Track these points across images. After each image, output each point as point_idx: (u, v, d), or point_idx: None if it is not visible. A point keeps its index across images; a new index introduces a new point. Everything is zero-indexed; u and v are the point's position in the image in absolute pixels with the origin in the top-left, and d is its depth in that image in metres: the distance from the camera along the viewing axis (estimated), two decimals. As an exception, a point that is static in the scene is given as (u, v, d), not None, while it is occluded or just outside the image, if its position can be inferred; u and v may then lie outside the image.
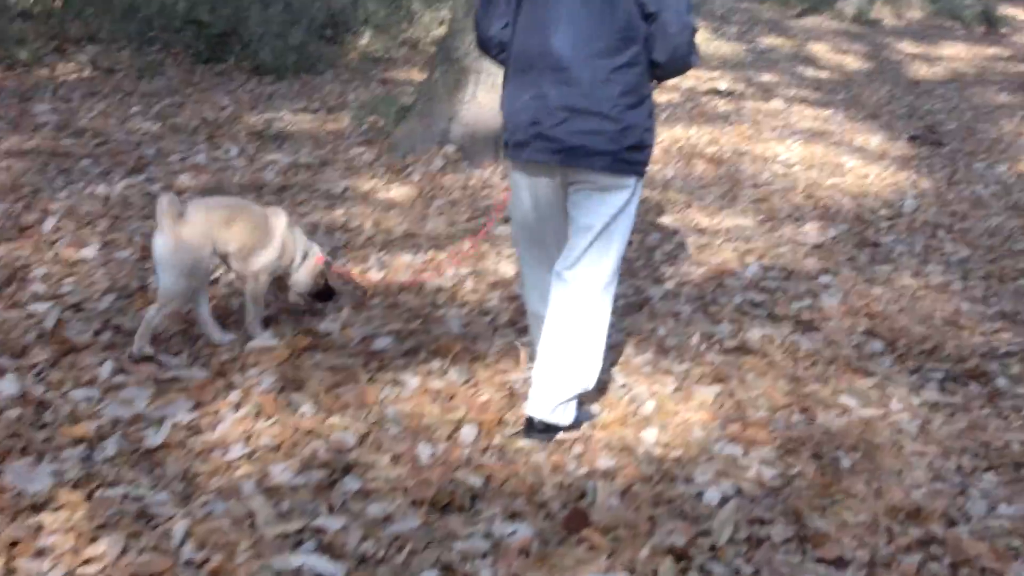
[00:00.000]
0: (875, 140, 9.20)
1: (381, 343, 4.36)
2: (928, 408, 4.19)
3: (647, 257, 5.78)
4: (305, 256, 4.43)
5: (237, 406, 3.75)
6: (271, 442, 3.55)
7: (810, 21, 17.51)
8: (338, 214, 5.97)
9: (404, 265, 5.29)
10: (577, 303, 3.59)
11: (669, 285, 5.34)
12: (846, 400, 4.19)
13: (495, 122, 7.22)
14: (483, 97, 7.23)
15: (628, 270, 5.39)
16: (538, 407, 3.67)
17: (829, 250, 6.10)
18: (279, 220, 4.35)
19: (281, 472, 3.38)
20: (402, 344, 4.38)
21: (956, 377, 4.49)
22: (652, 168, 7.19)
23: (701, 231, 6.26)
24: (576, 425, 3.77)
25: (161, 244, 4.00)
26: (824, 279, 5.57)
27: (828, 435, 3.90)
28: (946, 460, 3.80)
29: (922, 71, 13.66)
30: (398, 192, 6.52)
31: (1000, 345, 4.84)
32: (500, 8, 3.56)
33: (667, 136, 8.54)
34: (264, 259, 4.27)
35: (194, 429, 3.61)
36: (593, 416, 3.91)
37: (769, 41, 15.13)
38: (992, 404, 4.26)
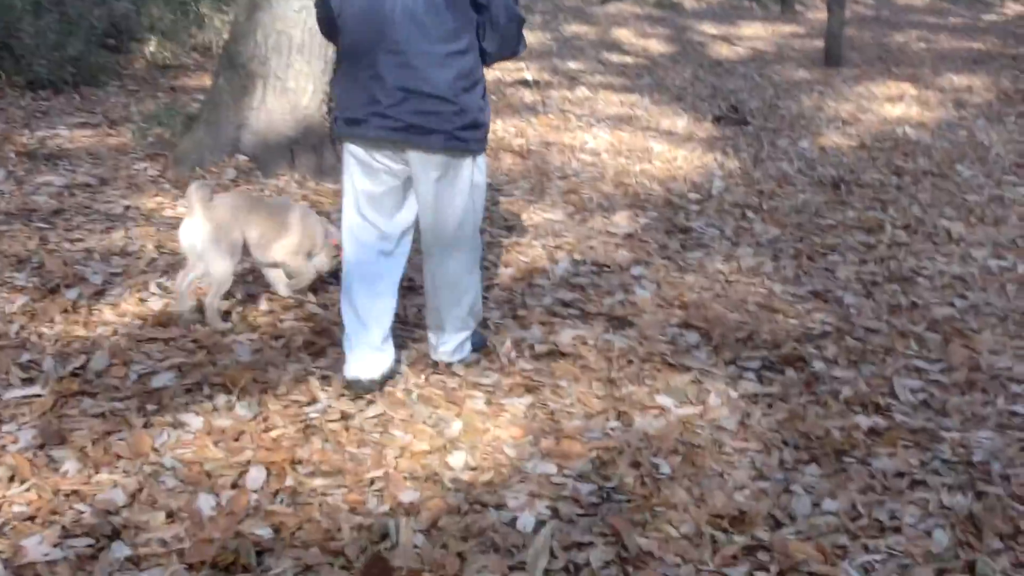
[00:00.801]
0: (681, 123, 9.16)
1: (160, 380, 3.91)
2: (747, 401, 4.02)
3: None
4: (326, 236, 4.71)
5: (-14, 471, 3.28)
6: (26, 510, 3.09)
7: (613, 7, 17.60)
8: (117, 237, 5.43)
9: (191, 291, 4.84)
10: (448, 272, 3.96)
11: (478, 289, 5.06)
12: (663, 400, 3.98)
13: (288, 128, 6.82)
14: (273, 102, 6.80)
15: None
16: (442, 354, 4.17)
17: (640, 239, 5.93)
18: (294, 209, 4.69)
19: (37, 545, 2.93)
20: (184, 379, 3.94)
21: (773, 365, 4.35)
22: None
23: (509, 228, 6.00)
24: (478, 349, 4.31)
25: (196, 230, 4.27)
26: (636, 271, 5.39)
27: (646, 440, 3.67)
28: (768, 456, 3.62)
29: (723, 51, 13.83)
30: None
31: (814, 327, 4.74)
32: None
33: (473, 131, 8.29)
34: (288, 246, 4.56)
35: (-66, 503, 3.12)
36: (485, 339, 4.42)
37: (574, 29, 15.09)
38: (810, 391, 4.12)
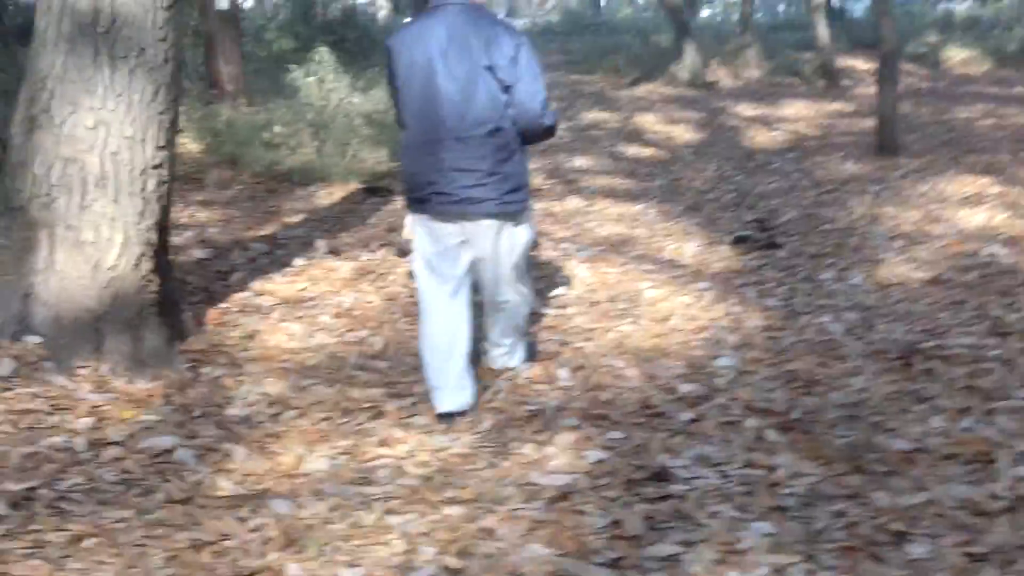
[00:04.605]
0: (690, 248, 6.45)
1: None
2: None
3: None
4: None
5: None
6: None
7: (642, 90, 15.03)
8: None
9: None
10: (511, 315, 4.24)
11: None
12: None
13: (88, 298, 4.32)
14: (65, 261, 4.30)
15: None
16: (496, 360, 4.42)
17: (573, 509, 3.21)
18: None
19: None
20: None
21: None
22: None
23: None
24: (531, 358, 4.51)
25: None
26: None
27: None
28: None
29: (759, 138, 11.11)
30: None
31: None
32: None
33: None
34: None
35: None
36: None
37: (592, 116, 12.51)
38: None
